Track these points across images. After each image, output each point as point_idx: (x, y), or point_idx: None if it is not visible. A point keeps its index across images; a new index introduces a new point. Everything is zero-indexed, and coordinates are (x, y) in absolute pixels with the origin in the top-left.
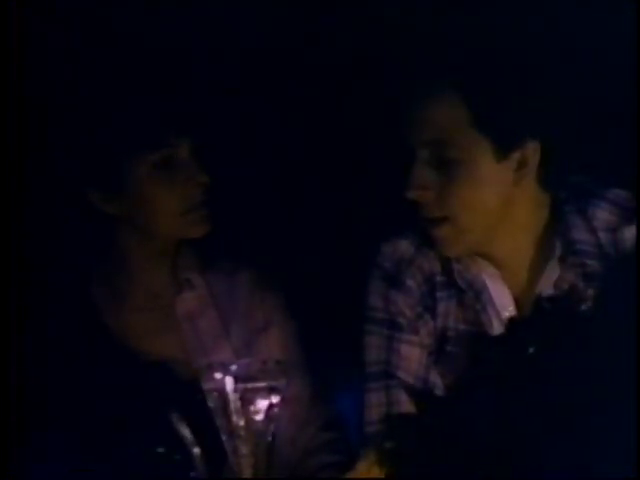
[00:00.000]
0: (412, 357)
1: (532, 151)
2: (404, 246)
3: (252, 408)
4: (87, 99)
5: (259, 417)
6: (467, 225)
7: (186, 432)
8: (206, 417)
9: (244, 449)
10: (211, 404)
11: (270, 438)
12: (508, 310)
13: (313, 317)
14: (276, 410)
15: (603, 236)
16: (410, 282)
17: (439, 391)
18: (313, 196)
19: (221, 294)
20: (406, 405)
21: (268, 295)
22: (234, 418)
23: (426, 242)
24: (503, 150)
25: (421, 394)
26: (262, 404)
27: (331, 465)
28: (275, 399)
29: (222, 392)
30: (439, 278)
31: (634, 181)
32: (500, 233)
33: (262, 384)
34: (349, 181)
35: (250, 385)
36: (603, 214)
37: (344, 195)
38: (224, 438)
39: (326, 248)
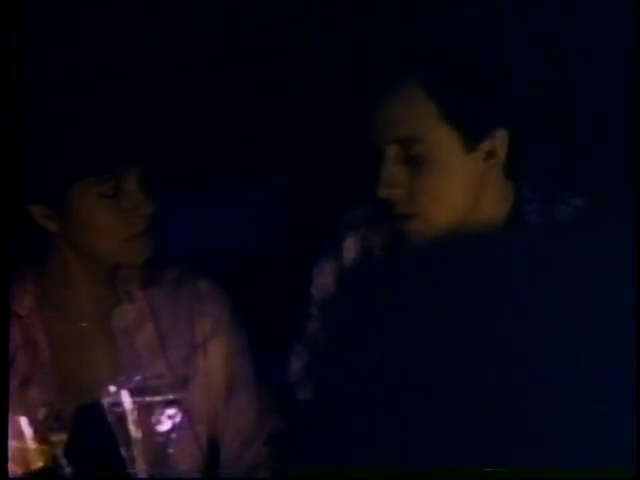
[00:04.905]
0: None
1: (500, 140)
2: None
3: (150, 421)
4: (41, 118)
5: (158, 430)
6: (438, 219)
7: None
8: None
9: (141, 461)
10: (109, 418)
11: (171, 450)
12: None
13: (262, 330)
14: (176, 422)
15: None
16: None
17: None
18: (269, 201)
19: (161, 308)
20: None
21: (211, 309)
22: (131, 431)
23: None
24: (472, 141)
25: None
26: (160, 417)
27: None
28: (172, 411)
29: (119, 406)
30: None
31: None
32: (469, 225)
33: (159, 397)
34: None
35: (148, 399)
36: (563, 219)
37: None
38: (122, 450)
39: (282, 258)
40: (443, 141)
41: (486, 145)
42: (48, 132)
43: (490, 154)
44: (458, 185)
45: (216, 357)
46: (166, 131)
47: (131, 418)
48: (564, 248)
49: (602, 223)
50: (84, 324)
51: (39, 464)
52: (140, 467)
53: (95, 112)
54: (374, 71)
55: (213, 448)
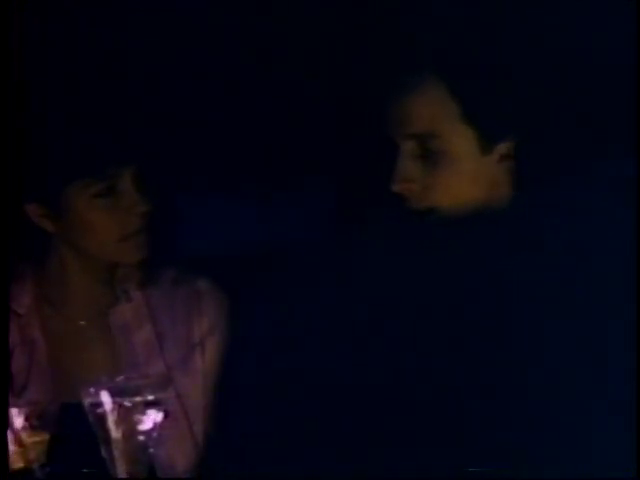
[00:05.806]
0: None
1: (514, 146)
2: None
3: (131, 421)
4: (39, 117)
5: (138, 430)
6: (449, 217)
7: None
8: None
9: (121, 461)
10: (90, 418)
11: (152, 450)
12: None
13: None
14: (157, 422)
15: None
16: None
17: None
18: (267, 200)
19: (159, 307)
20: None
21: (209, 308)
22: (112, 431)
23: None
24: (489, 143)
25: None
26: (141, 418)
27: None
28: (153, 412)
29: (99, 406)
30: None
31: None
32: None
33: (139, 398)
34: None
35: (128, 399)
36: (568, 218)
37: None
38: (102, 449)
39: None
40: (460, 139)
41: (501, 148)
42: (45, 131)
43: (505, 157)
44: (471, 184)
45: (214, 356)
46: (163, 130)
47: (112, 418)
48: (568, 248)
49: (604, 224)
50: (82, 323)
51: (20, 464)
52: (122, 468)
53: (92, 111)
54: (393, 65)
55: (210, 447)
